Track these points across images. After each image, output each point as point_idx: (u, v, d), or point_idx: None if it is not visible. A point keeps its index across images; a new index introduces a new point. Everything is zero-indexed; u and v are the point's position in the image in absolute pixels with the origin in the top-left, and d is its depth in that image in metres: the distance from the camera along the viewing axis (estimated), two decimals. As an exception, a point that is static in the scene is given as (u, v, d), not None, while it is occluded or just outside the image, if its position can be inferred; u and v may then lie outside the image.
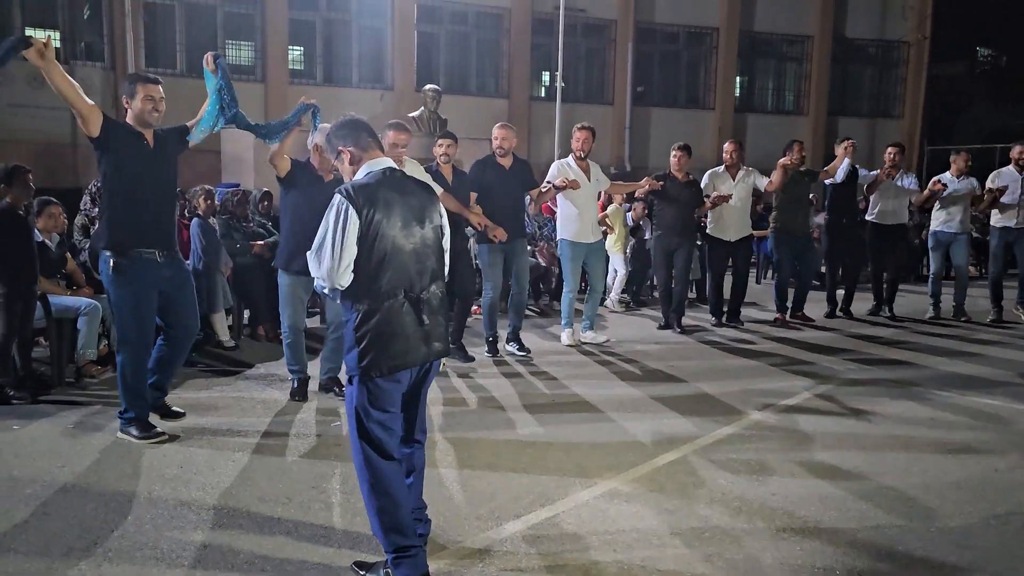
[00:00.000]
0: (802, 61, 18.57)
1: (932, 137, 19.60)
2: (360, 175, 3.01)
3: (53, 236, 5.96)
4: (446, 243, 3.15)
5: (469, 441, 4.63)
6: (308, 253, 2.94)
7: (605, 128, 16.91)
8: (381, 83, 15.25)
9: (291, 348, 5.40)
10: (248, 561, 3.16)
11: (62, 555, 3.20)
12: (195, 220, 6.87)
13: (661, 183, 7.59)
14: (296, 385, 5.43)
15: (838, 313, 8.86)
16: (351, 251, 2.85)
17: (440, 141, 6.38)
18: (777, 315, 8.47)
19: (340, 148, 3.07)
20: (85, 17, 13.43)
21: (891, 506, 3.80)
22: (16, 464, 4.15)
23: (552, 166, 7.03)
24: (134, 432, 4.48)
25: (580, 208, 6.96)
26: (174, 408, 4.90)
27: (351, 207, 2.84)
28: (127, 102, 4.43)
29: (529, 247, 9.08)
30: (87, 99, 4.27)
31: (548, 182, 6.80)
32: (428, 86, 12.83)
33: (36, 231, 5.70)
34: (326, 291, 2.93)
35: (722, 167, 8.16)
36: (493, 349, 6.71)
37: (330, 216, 2.87)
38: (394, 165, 3.07)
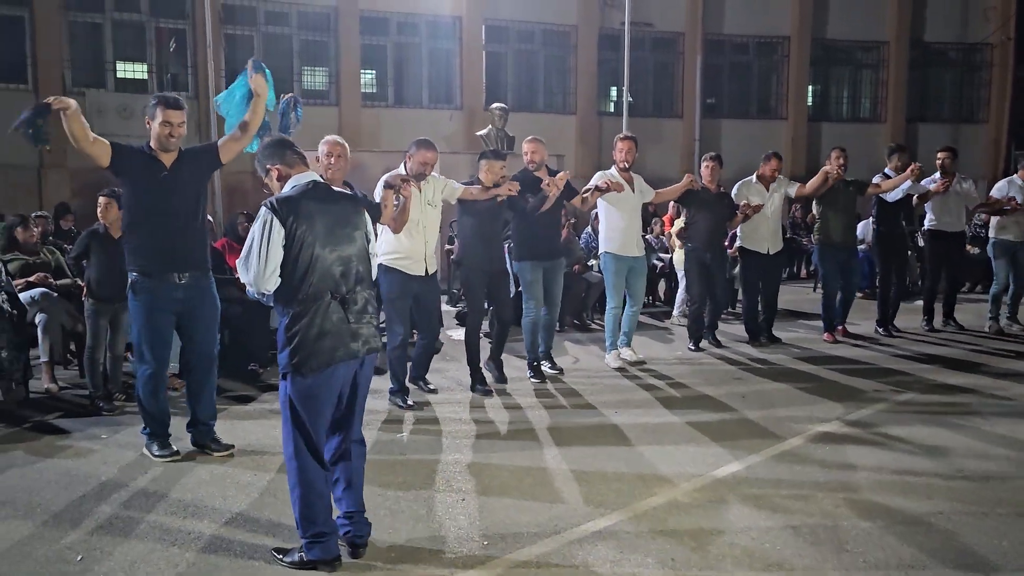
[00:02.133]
0: (878, 67, 18.10)
1: (1020, 141, 18.78)
2: (287, 189, 3.29)
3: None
4: (372, 248, 3.43)
5: (489, 465, 4.60)
6: (237, 261, 3.27)
7: (674, 142, 16.86)
8: (450, 103, 15.55)
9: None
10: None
11: (144, 555, 3.40)
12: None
13: (700, 185, 7.45)
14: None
15: (880, 329, 8.35)
16: (276, 259, 3.14)
17: (483, 163, 6.03)
18: (825, 333, 8.07)
19: (268, 166, 3.38)
20: (171, 50, 14.13)
21: (936, 551, 3.66)
22: (104, 471, 4.42)
23: (595, 176, 6.91)
24: (155, 449, 4.55)
25: (624, 220, 6.82)
26: (224, 442, 4.70)
27: (275, 218, 3.14)
28: (148, 123, 4.40)
29: (595, 262, 9.13)
30: (92, 137, 4.26)
31: (589, 186, 6.66)
32: (495, 105, 13.05)
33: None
34: (255, 295, 3.27)
35: (754, 177, 7.92)
36: (538, 373, 6.50)
37: (256, 227, 3.16)
38: (318, 178, 3.36)
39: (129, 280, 4.45)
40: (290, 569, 3.26)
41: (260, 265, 3.13)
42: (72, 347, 6.73)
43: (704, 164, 7.65)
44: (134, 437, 4.96)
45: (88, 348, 5.68)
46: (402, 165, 5.65)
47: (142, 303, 4.42)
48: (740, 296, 8.89)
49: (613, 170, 6.91)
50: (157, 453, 4.53)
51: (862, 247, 9.46)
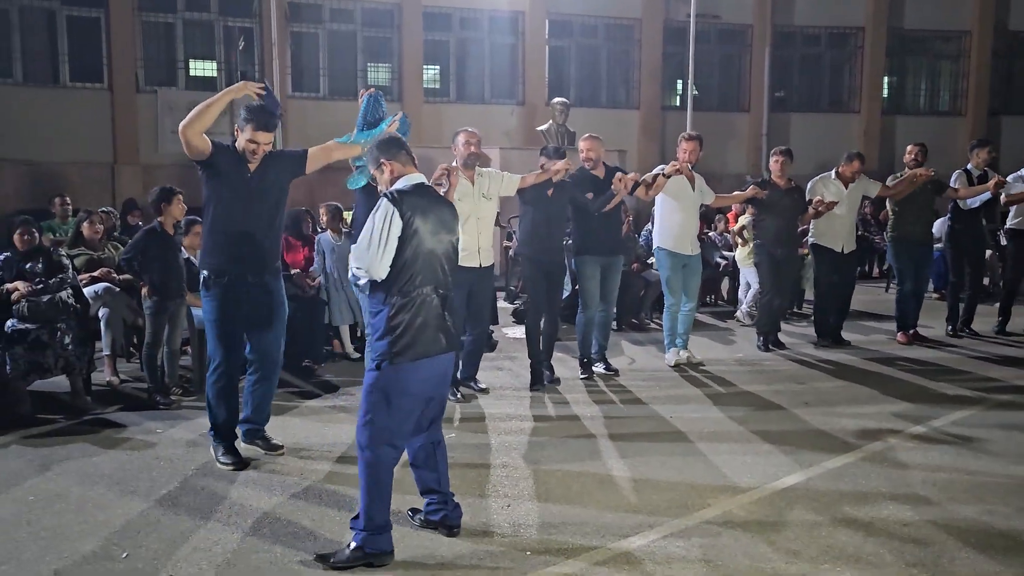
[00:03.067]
0: (958, 58, 17.31)
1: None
2: (399, 186, 3.42)
3: (198, 253, 6.40)
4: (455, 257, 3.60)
5: (537, 470, 4.51)
6: (352, 247, 3.40)
7: (741, 136, 16.45)
8: (512, 98, 15.46)
9: None
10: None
11: (187, 555, 3.42)
12: (322, 235, 7.21)
13: (765, 191, 7.22)
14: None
15: (962, 331, 8.05)
16: (392, 248, 3.28)
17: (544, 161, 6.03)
18: (899, 335, 7.78)
19: (384, 161, 3.48)
20: (240, 48, 14.40)
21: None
22: (155, 465, 4.48)
23: (655, 169, 6.77)
24: (220, 454, 4.46)
25: (681, 217, 6.69)
26: (274, 441, 4.69)
27: (395, 210, 3.29)
28: (238, 131, 4.39)
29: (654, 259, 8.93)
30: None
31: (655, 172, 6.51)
32: (556, 99, 12.93)
33: (183, 248, 6.14)
34: (361, 282, 3.37)
35: (833, 173, 7.62)
36: (588, 370, 6.46)
37: (376, 216, 3.31)
38: (425, 180, 3.55)
39: (202, 278, 4.43)
40: (334, 571, 3.27)
41: (378, 252, 3.26)
42: (135, 340, 6.87)
43: (773, 158, 7.43)
44: (188, 432, 5.04)
45: (147, 345, 5.78)
46: (454, 160, 5.63)
47: (216, 302, 4.38)
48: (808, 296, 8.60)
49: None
50: (223, 460, 4.43)
51: (938, 245, 9.04)
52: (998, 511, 3.86)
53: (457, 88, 15.41)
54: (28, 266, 5.67)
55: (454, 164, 5.36)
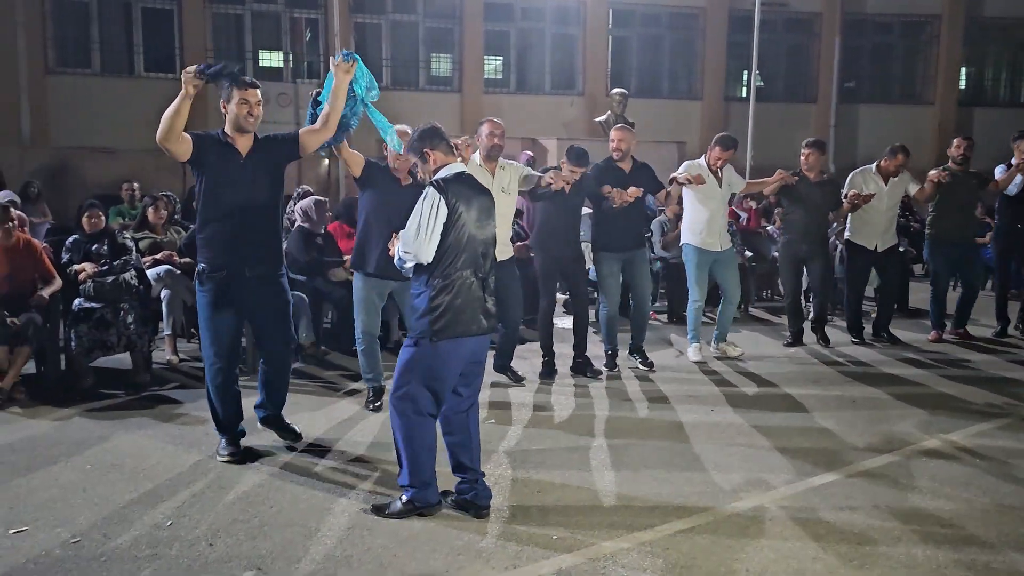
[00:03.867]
0: (1042, 47, 16.58)
1: None
2: (443, 174, 3.60)
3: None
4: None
5: (529, 474, 4.52)
6: (400, 233, 3.56)
7: (807, 127, 15.99)
8: (573, 89, 15.42)
9: (365, 355, 5.26)
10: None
11: (226, 525, 3.56)
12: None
13: (796, 176, 7.02)
14: (371, 394, 5.32)
15: (1011, 331, 7.72)
16: (438, 234, 3.48)
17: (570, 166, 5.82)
18: (932, 332, 7.52)
19: (427, 151, 3.63)
20: (307, 39, 14.70)
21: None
22: (206, 441, 4.63)
23: (683, 164, 6.66)
24: (221, 447, 4.36)
25: (708, 213, 6.57)
26: (292, 427, 4.63)
27: (442, 198, 3.48)
28: (224, 106, 4.17)
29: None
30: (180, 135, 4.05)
31: (673, 177, 6.40)
32: (615, 90, 12.85)
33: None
34: (407, 266, 3.56)
35: (873, 166, 7.35)
36: (611, 363, 6.36)
37: (424, 204, 3.49)
38: (465, 169, 3.68)
39: (196, 271, 4.26)
40: (389, 520, 3.60)
41: (425, 238, 3.47)
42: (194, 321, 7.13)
43: (803, 151, 7.17)
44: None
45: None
46: (477, 153, 5.55)
47: (209, 297, 4.20)
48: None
49: (702, 160, 6.68)
50: (221, 452, 4.33)
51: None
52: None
53: (517, 78, 15.43)
54: (95, 248, 5.94)
55: (464, 139, 5.13)
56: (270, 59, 14.66)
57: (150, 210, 6.93)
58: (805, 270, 7.48)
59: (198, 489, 3.96)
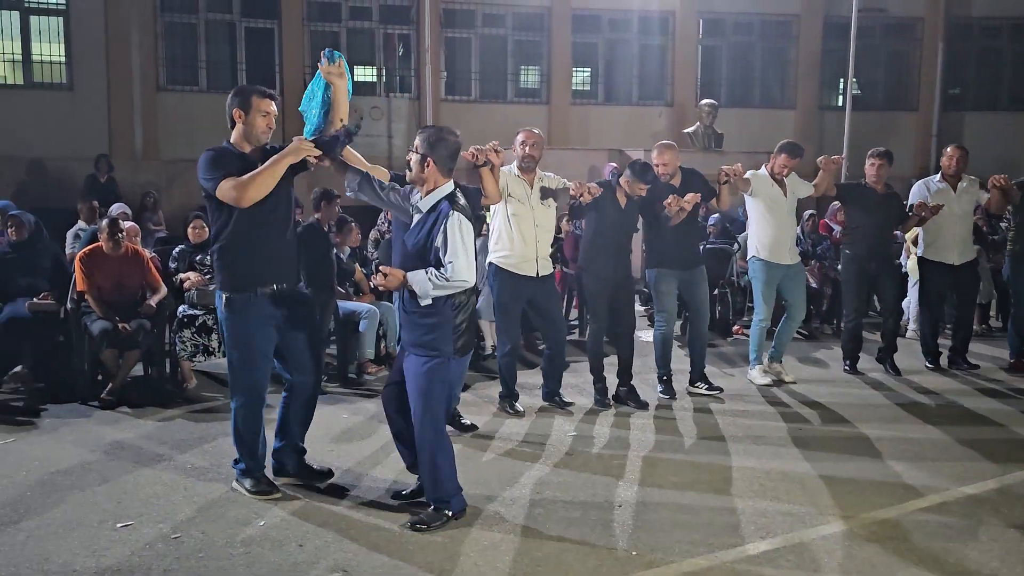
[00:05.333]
0: None
1: None
2: (441, 193, 3.65)
3: (346, 249, 6.84)
4: None
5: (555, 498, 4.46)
6: (451, 267, 3.53)
7: (908, 136, 15.46)
8: (660, 99, 15.30)
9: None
10: (461, 553, 3.42)
11: (316, 527, 3.71)
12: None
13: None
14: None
15: None
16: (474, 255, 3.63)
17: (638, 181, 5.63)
18: (1012, 360, 6.97)
19: (429, 160, 3.65)
20: (399, 55, 15.09)
21: None
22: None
23: (745, 174, 6.29)
24: (247, 485, 4.08)
25: (775, 225, 6.27)
26: (318, 468, 4.33)
27: (465, 219, 3.60)
28: (239, 116, 3.93)
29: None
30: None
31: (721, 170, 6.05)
32: (704, 101, 12.72)
33: (335, 246, 6.58)
34: (440, 294, 3.60)
35: (938, 176, 6.89)
36: (669, 389, 5.99)
37: (461, 230, 3.56)
38: (455, 189, 3.72)
39: (223, 299, 3.97)
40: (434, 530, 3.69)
41: (469, 259, 3.58)
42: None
43: (869, 161, 6.67)
44: (325, 416, 5.40)
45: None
46: (513, 164, 5.46)
47: (241, 322, 3.95)
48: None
49: (763, 170, 6.38)
50: (251, 489, 4.06)
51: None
52: None
53: (605, 90, 15.42)
54: (199, 258, 6.26)
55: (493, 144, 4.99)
56: (363, 74, 15.11)
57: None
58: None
59: (290, 491, 4.12)
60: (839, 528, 3.79)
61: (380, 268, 3.68)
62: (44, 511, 3.87)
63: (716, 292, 8.48)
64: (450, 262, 3.53)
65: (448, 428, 4.61)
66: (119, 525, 3.72)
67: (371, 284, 3.98)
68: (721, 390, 6.09)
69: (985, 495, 4.21)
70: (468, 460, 4.63)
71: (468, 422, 5.21)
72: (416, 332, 3.67)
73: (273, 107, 3.95)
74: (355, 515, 3.85)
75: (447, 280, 3.54)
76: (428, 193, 3.67)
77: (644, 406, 5.72)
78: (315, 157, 3.87)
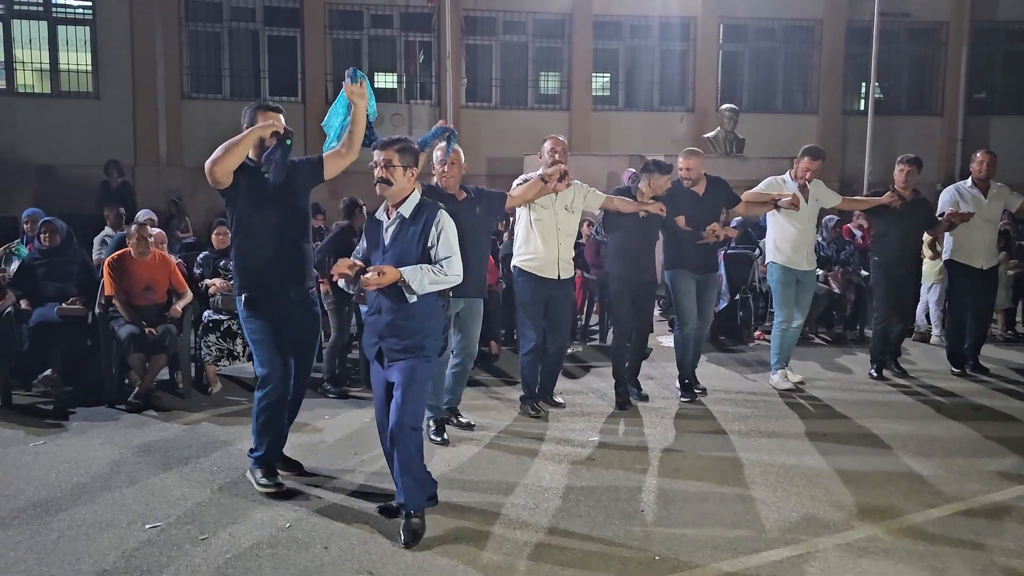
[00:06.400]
0: None
1: None
2: (417, 196, 3.77)
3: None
4: None
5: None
6: (447, 263, 3.65)
7: (931, 142, 15.33)
8: (682, 105, 15.28)
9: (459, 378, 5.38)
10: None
11: (340, 531, 3.73)
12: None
13: (901, 201, 6.53)
14: (463, 418, 5.35)
15: None
16: None
17: (645, 175, 5.79)
18: None
19: (413, 170, 3.76)
20: (420, 61, 15.18)
21: None
22: (321, 447, 4.88)
23: (764, 181, 6.37)
24: (259, 475, 4.22)
25: (796, 231, 6.29)
26: (292, 459, 4.51)
27: (449, 216, 3.74)
28: (245, 129, 4.07)
29: (821, 271, 8.59)
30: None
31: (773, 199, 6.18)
32: (725, 106, 12.70)
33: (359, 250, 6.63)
34: (434, 289, 3.67)
35: (969, 181, 6.86)
36: (688, 391, 6.11)
37: (449, 227, 3.71)
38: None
39: (243, 299, 4.17)
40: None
41: (458, 256, 3.73)
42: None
43: (898, 167, 6.68)
44: (350, 421, 5.45)
45: (333, 337, 6.24)
46: (539, 170, 5.50)
47: (262, 318, 4.13)
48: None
49: (786, 176, 6.39)
50: (262, 482, 4.19)
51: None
52: None
53: (626, 96, 15.42)
54: (223, 263, 6.33)
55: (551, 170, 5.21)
56: (385, 81, 15.22)
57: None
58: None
59: (314, 494, 4.16)
60: (864, 534, 3.77)
61: (370, 267, 3.65)
62: (74, 512, 3.93)
63: (738, 297, 8.45)
64: (447, 257, 3.66)
65: (448, 428, 5.15)
66: (147, 526, 3.77)
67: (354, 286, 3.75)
68: (705, 391, 6.22)
69: (1011, 501, 4.18)
70: (490, 463, 4.66)
71: (466, 420, 5.33)
72: (403, 336, 3.66)
73: (278, 118, 4.10)
74: (380, 517, 3.87)
75: (445, 275, 3.64)
76: (403, 200, 3.74)
77: (644, 398, 6.02)
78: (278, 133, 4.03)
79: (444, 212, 3.73)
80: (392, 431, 3.61)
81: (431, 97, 14.76)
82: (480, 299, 5.20)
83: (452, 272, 3.66)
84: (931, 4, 15.15)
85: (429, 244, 3.66)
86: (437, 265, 3.64)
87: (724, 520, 3.91)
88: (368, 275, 3.56)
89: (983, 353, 7.19)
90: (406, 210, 3.72)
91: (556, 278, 5.55)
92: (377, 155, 3.72)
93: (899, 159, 6.75)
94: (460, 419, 5.35)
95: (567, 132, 14.64)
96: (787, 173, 6.42)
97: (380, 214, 3.85)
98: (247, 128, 4.07)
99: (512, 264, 5.71)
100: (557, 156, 5.46)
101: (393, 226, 3.74)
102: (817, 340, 8.52)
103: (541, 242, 5.50)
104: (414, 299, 3.60)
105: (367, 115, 4.12)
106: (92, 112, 13.24)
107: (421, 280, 3.57)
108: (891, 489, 4.32)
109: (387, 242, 3.74)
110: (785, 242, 6.34)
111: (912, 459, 4.80)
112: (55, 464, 4.59)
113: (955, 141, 15.26)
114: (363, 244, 4.04)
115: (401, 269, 3.58)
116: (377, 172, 3.71)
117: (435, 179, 5.08)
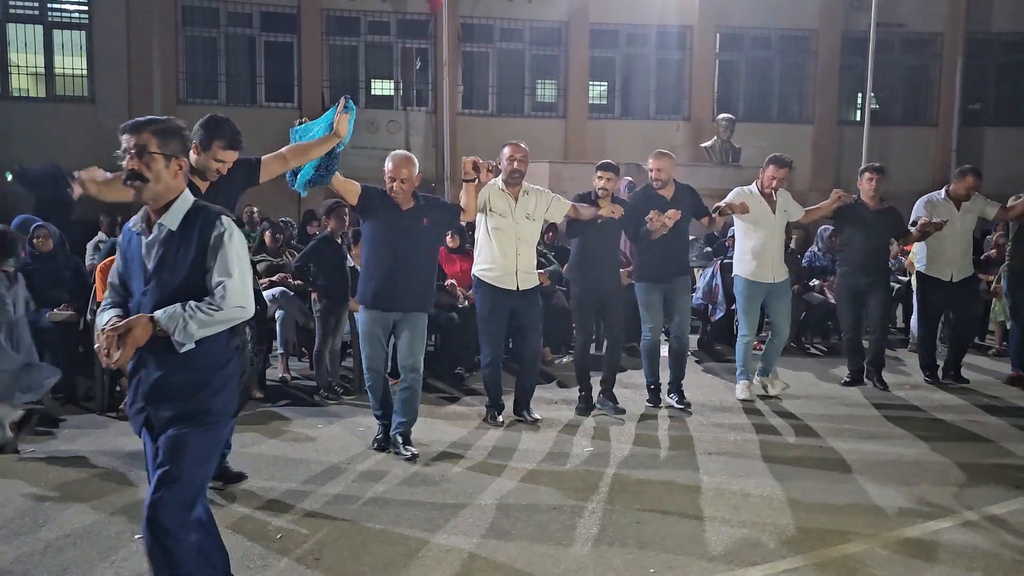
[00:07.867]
0: None
1: None
2: (188, 201, 2.72)
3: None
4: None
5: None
6: (220, 283, 2.64)
7: (926, 152, 15.43)
8: (678, 114, 15.32)
9: (372, 392, 4.96)
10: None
11: (334, 539, 3.70)
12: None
13: (854, 196, 6.52)
14: (380, 434, 5.01)
15: None
16: None
17: (599, 173, 5.67)
18: (1013, 371, 6.88)
19: (181, 162, 2.73)
20: (417, 68, 15.19)
21: None
22: (315, 458, 4.86)
23: (732, 192, 6.24)
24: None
25: (760, 243, 6.16)
26: (235, 471, 4.40)
27: (237, 227, 2.81)
28: (197, 149, 3.87)
29: (817, 281, 8.58)
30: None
31: (718, 206, 6.05)
32: (721, 115, 12.74)
33: (349, 257, 6.60)
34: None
35: (942, 193, 6.81)
36: (655, 397, 6.05)
37: (234, 240, 2.71)
38: None
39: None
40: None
41: (245, 279, 2.98)
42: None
43: (866, 176, 6.64)
44: (345, 430, 5.42)
45: (318, 344, 6.25)
46: (499, 177, 5.44)
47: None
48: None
49: (753, 187, 6.29)
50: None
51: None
52: None
53: (622, 104, 15.46)
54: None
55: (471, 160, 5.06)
56: (381, 87, 15.23)
57: (267, 234, 7.30)
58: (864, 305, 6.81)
59: (306, 505, 4.12)
60: (793, 564, 3.74)
61: (105, 329, 2.58)
62: (63, 521, 3.89)
63: (734, 307, 8.42)
64: (220, 283, 2.61)
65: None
66: (136, 536, 3.72)
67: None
68: (690, 405, 6.02)
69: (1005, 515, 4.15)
70: (485, 475, 4.62)
71: (236, 471, 4.44)
72: (178, 398, 2.66)
73: (231, 156, 3.98)
74: (374, 527, 3.84)
75: (217, 309, 2.59)
76: (168, 205, 2.68)
77: (620, 412, 5.79)
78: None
79: (227, 219, 2.69)
80: (147, 528, 2.68)
81: (427, 104, 14.77)
82: (423, 314, 4.86)
83: (231, 303, 2.61)
84: (926, 15, 15.23)
85: (207, 267, 2.65)
86: (207, 299, 2.61)
87: (719, 535, 3.88)
88: (100, 343, 2.56)
89: (978, 365, 7.15)
90: (172, 220, 2.66)
91: (515, 289, 5.43)
92: (127, 139, 2.63)
93: (863, 168, 6.78)
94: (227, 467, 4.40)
95: (563, 140, 14.68)
96: (753, 184, 6.34)
97: (137, 223, 2.76)
98: (197, 149, 3.87)
99: (472, 273, 5.64)
100: (516, 164, 5.39)
101: (158, 243, 2.68)
102: (813, 351, 8.50)
103: (499, 251, 5.40)
104: (189, 347, 2.60)
105: (336, 145, 4.26)
106: (87, 116, 13.20)
107: (184, 327, 2.55)
108: (840, 517, 4.09)
109: (151, 265, 2.67)
110: (749, 254, 6.24)
111: (869, 484, 4.55)
112: (44, 472, 4.55)
113: (949, 152, 15.33)
114: (118, 265, 2.82)
115: (156, 314, 2.57)
116: (126, 163, 2.63)
117: (387, 184, 4.77)
